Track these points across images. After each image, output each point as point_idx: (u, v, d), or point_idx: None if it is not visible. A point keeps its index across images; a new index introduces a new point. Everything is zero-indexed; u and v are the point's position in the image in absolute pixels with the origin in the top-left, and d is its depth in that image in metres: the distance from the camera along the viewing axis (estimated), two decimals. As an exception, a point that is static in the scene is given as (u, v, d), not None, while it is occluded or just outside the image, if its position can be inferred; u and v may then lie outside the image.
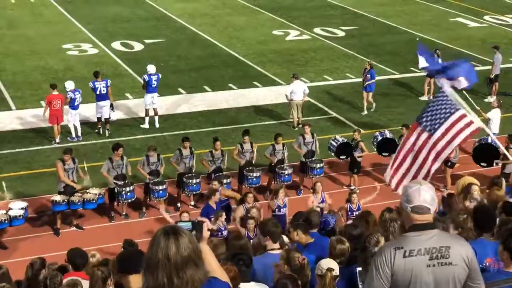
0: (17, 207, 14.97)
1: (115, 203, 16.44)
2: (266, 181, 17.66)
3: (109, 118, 20.80)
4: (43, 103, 21.70)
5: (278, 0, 37.51)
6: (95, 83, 20.52)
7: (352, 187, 17.75)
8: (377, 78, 25.32)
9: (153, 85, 21.00)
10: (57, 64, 26.72)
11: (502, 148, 12.76)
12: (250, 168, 16.97)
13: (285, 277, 6.75)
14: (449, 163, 17.54)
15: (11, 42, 29.53)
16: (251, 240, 11.56)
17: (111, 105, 20.78)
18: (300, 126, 20.20)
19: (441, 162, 8.56)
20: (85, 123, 21.44)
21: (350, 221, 12.52)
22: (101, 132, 20.73)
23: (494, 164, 17.06)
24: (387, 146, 17.91)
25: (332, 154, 18.09)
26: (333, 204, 14.86)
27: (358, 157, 17.78)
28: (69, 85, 20.29)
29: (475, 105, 19.34)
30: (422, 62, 9.02)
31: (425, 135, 8.34)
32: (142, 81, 21.63)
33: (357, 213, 13.08)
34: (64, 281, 7.77)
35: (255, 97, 24.04)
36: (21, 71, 25.96)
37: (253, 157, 17.29)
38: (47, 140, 20.17)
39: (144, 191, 16.68)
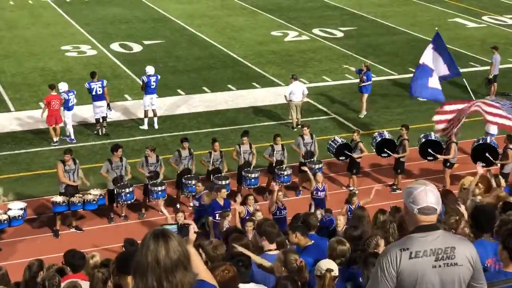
0: (16, 208, 14.99)
1: (115, 204, 16.43)
2: (266, 182, 17.65)
3: (106, 116, 20.81)
4: (42, 104, 21.71)
5: (277, 1, 37.52)
6: (91, 83, 20.53)
7: (351, 188, 17.75)
8: (376, 78, 25.37)
9: (152, 86, 21.00)
10: (56, 66, 26.72)
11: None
12: (248, 169, 16.97)
13: (285, 277, 6.74)
14: (448, 164, 17.56)
15: (10, 43, 29.54)
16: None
17: (108, 105, 20.79)
18: (299, 127, 20.20)
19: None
20: (83, 124, 21.46)
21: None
22: (100, 134, 20.74)
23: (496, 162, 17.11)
24: (386, 147, 17.93)
25: (332, 155, 18.10)
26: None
27: (357, 158, 17.79)
28: (63, 86, 20.30)
29: None
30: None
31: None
32: (141, 83, 21.62)
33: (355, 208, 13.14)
34: (63, 284, 7.76)
35: (254, 98, 24.05)
36: (20, 72, 25.96)
37: (252, 159, 17.26)
38: (46, 141, 20.16)
39: (143, 192, 16.69)
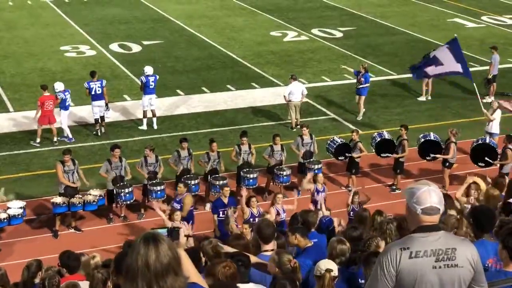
0: (16, 206, 14.98)
1: (114, 205, 16.42)
2: (265, 182, 17.64)
3: (104, 115, 20.82)
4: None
5: (276, 1, 37.52)
6: (90, 83, 20.54)
7: (350, 188, 17.75)
8: (376, 78, 25.40)
9: (150, 87, 21.00)
10: (55, 66, 26.71)
11: None
12: (247, 169, 16.96)
13: (283, 277, 6.73)
14: (447, 164, 17.55)
15: (9, 44, 29.53)
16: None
17: (106, 105, 20.80)
18: (298, 127, 20.19)
19: None
20: (83, 124, 21.46)
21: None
22: (99, 134, 20.74)
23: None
24: (386, 147, 17.93)
25: (331, 155, 18.09)
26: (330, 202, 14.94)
27: (356, 157, 17.78)
28: (59, 86, 20.32)
29: (482, 108, 19.47)
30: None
31: None
32: (139, 83, 21.61)
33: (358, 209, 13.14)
34: (63, 284, 7.75)
35: (253, 98, 24.04)
36: (19, 73, 25.95)
37: (252, 159, 17.26)
38: (45, 141, 20.14)
39: (142, 193, 16.67)
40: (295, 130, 20.92)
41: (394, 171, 18.02)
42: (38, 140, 19.91)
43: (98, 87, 20.55)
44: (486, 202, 9.91)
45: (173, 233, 4.35)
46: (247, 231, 12.94)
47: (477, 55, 28.35)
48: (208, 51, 29.15)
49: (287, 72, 25.18)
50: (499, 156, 17.19)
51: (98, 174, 16.45)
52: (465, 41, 30.86)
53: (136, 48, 29.30)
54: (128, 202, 16.15)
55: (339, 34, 31.81)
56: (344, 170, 18.27)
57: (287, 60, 28.00)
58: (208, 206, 16.89)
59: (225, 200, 14.79)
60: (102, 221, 16.35)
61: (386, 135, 18.16)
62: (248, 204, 14.20)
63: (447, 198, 11.26)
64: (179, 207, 14.47)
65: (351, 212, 14.09)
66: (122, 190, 15.84)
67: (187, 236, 11.77)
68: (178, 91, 24.49)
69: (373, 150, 18.05)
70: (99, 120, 20.75)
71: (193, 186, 16.33)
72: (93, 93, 20.49)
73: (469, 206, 10.94)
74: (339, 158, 17.96)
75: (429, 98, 24.14)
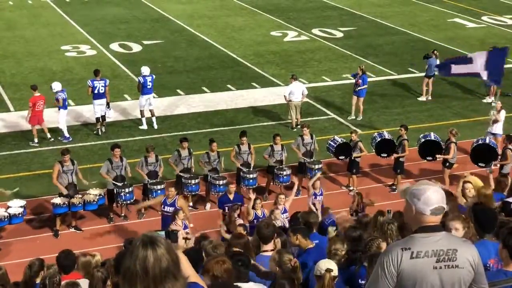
0: (16, 205, 14.98)
1: (114, 204, 16.43)
2: (265, 182, 17.65)
3: (105, 114, 20.83)
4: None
5: (276, 1, 37.53)
6: (94, 81, 20.57)
7: (351, 188, 17.77)
8: (376, 78, 25.40)
9: (148, 87, 21.03)
10: (55, 66, 26.72)
11: None
12: (247, 169, 16.97)
13: (282, 277, 6.74)
14: (447, 164, 17.56)
15: (9, 43, 29.54)
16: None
17: (107, 104, 20.81)
18: (299, 127, 20.20)
19: None
20: (84, 124, 21.47)
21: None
22: (100, 133, 20.75)
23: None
24: (386, 147, 17.94)
25: (331, 154, 18.10)
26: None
27: (356, 157, 17.79)
28: (56, 86, 20.29)
29: (492, 110, 19.46)
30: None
31: None
32: (138, 83, 21.60)
33: (360, 214, 13.10)
34: (63, 282, 7.76)
35: (254, 98, 24.05)
36: (19, 72, 25.96)
37: (251, 159, 17.25)
38: (44, 141, 20.15)
39: (142, 192, 16.68)
40: (295, 130, 20.92)
41: (394, 171, 18.03)
42: (36, 140, 19.91)
43: (102, 86, 20.59)
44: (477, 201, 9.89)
45: (172, 235, 4.33)
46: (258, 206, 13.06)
47: (477, 55, 28.33)
48: (208, 51, 29.16)
49: (288, 72, 25.20)
50: (499, 157, 17.19)
51: (98, 173, 16.45)
52: (465, 41, 30.95)
53: (136, 48, 29.32)
54: (129, 202, 16.16)
55: (339, 34, 31.82)
56: (345, 170, 18.28)
57: (287, 60, 28.01)
58: (208, 206, 16.91)
59: (231, 197, 14.97)
60: (102, 220, 16.36)
61: (386, 135, 18.17)
62: (252, 206, 14.16)
63: (450, 195, 11.29)
64: (171, 210, 14.29)
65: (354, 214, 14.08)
66: (123, 190, 15.85)
67: (185, 239, 11.80)
68: (179, 90, 24.50)
69: (373, 150, 18.06)
70: (100, 119, 20.77)
71: (193, 186, 16.37)
72: (96, 91, 20.52)
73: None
74: (340, 157, 17.97)
75: (430, 98, 24.15)
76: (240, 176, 16.96)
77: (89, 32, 31.40)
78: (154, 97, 21.56)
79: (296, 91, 21.32)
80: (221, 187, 16.33)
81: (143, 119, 21.25)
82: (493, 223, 7.03)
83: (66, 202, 15.35)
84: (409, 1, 38.68)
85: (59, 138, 20.24)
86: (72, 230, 15.88)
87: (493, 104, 19.59)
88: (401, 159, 17.90)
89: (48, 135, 20.03)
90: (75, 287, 7.14)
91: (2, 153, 19.55)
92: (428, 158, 17.84)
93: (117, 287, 7.32)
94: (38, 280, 8.53)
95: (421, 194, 4.26)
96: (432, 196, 4.24)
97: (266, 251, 8.08)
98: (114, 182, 15.97)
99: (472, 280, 4.28)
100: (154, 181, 16.25)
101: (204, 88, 24.77)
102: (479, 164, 17.32)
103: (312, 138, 17.86)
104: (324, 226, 12.15)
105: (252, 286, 6.41)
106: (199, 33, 31.65)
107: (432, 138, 17.80)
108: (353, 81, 22.42)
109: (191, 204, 16.95)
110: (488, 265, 6.32)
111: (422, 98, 24.14)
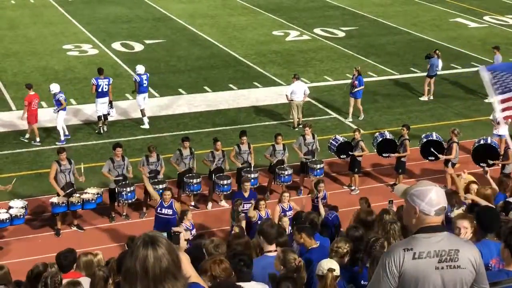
0: (18, 206, 14.96)
1: (116, 204, 16.44)
2: (266, 181, 17.65)
3: (108, 114, 20.84)
4: (43, 103, 21.75)
5: (278, 1, 37.52)
6: (98, 80, 20.59)
7: (353, 187, 17.76)
8: (377, 78, 25.39)
9: (144, 85, 21.08)
10: (57, 65, 26.74)
11: None
12: (248, 169, 16.95)
13: (285, 277, 6.73)
14: (449, 163, 17.54)
15: (11, 42, 29.54)
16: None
17: (110, 103, 20.82)
18: (301, 126, 20.20)
19: None
20: (86, 123, 21.48)
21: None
22: (102, 132, 20.75)
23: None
24: (387, 147, 17.93)
25: (333, 153, 18.09)
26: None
27: (358, 156, 17.78)
28: (55, 87, 20.16)
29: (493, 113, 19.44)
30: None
31: None
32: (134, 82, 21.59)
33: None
34: (65, 281, 7.76)
35: (255, 97, 24.05)
36: (21, 71, 25.97)
37: (251, 159, 17.23)
38: (47, 140, 20.16)
39: (144, 191, 16.68)
40: (297, 129, 20.92)
41: (396, 171, 18.02)
42: (37, 139, 19.90)
43: (106, 84, 20.62)
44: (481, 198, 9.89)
45: (173, 237, 4.31)
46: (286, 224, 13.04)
47: (479, 55, 28.34)
48: (210, 50, 29.16)
49: (289, 71, 25.19)
50: (500, 157, 17.18)
51: (100, 173, 16.46)
52: (467, 41, 30.93)
53: (138, 47, 29.32)
54: (130, 201, 16.17)
55: (341, 34, 31.80)
56: (346, 169, 18.27)
57: (289, 59, 28.00)
58: (210, 205, 16.91)
59: (246, 194, 14.98)
60: (104, 219, 16.37)
61: (388, 135, 18.16)
62: (256, 207, 14.13)
63: (454, 193, 11.30)
64: (171, 213, 14.46)
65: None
66: (124, 189, 15.86)
67: (187, 240, 11.79)
68: (180, 90, 24.50)
69: (375, 150, 18.05)
70: (102, 118, 20.77)
71: (195, 185, 16.39)
72: (99, 90, 20.53)
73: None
74: (341, 156, 17.96)
75: (431, 98, 24.14)
76: (240, 176, 16.95)
77: (91, 31, 31.41)
78: (155, 96, 21.53)
79: (298, 91, 21.32)
80: (225, 186, 16.35)
81: (144, 118, 21.26)
82: (495, 223, 7.03)
83: (65, 201, 15.35)
84: (411, 1, 38.65)
85: (57, 143, 20.15)
86: (74, 229, 15.88)
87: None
88: (402, 159, 17.89)
89: (38, 139, 19.95)
90: (76, 286, 7.13)
91: (3, 152, 19.55)
92: (430, 158, 17.82)
93: (118, 286, 7.32)
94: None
95: (425, 195, 4.26)
96: (436, 197, 4.24)
97: (270, 251, 8.05)
98: (116, 178, 15.98)
99: (473, 281, 4.28)
100: (156, 180, 16.25)
101: (206, 88, 24.78)
102: (481, 164, 17.29)
103: (314, 137, 17.85)
104: (328, 222, 12.16)
105: (254, 285, 6.41)
106: (201, 32, 31.64)
107: (434, 138, 17.79)
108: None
109: (192, 203, 16.96)
110: (490, 265, 6.32)
111: (424, 98, 24.13)
